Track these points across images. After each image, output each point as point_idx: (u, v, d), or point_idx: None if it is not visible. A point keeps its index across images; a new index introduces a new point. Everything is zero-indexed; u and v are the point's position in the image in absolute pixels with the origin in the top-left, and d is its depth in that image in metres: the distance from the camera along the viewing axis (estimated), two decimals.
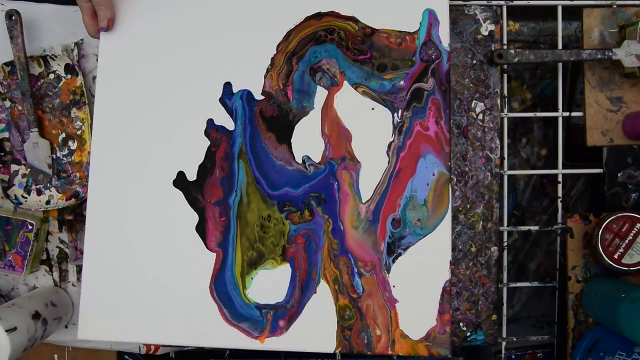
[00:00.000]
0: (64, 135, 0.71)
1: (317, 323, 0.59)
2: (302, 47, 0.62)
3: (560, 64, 0.71)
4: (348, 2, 0.61)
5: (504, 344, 0.72)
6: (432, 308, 0.59)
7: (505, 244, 0.71)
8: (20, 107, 0.70)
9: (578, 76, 0.78)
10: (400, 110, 0.60)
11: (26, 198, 0.71)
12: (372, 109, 0.61)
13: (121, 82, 0.63)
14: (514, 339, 0.72)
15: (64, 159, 0.71)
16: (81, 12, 0.64)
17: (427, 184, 0.60)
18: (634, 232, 0.65)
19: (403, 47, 0.61)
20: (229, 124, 0.62)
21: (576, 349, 0.69)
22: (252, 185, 0.61)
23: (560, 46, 0.71)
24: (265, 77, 0.62)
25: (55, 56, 0.69)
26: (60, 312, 0.69)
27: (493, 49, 0.69)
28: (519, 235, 0.90)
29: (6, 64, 0.69)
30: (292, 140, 0.61)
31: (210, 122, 0.62)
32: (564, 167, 0.71)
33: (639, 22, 0.66)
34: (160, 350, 0.73)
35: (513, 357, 0.76)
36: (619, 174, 0.70)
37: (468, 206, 0.70)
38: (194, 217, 0.61)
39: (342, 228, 0.60)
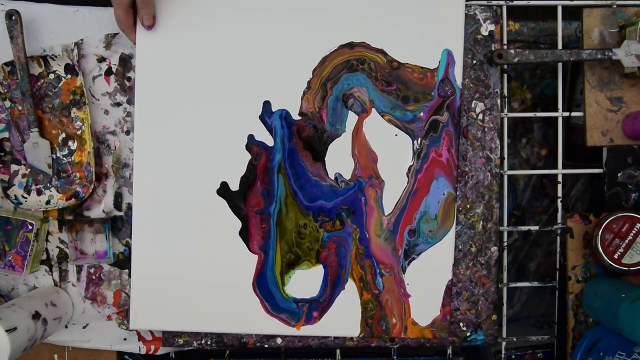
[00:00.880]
0: (64, 135, 0.71)
1: (345, 314, 0.69)
2: (336, 74, 0.68)
3: (560, 64, 0.71)
4: (378, 36, 0.67)
5: (504, 344, 0.72)
6: (436, 301, 0.69)
7: (505, 244, 0.71)
8: (20, 107, 0.70)
9: (578, 76, 0.78)
10: (419, 138, 0.68)
11: (26, 198, 0.71)
12: (396, 135, 0.68)
13: (164, 98, 0.68)
14: (514, 339, 0.72)
15: (64, 159, 0.71)
16: (114, 5, 0.63)
17: (438, 202, 0.68)
18: (634, 232, 0.65)
19: (424, 82, 0.68)
20: (269, 140, 0.68)
21: (576, 349, 0.69)
22: (290, 197, 0.68)
23: (560, 46, 0.71)
24: (302, 99, 0.68)
25: (55, 56, 0.69)
26: (60, 312, 0.69)
27: (493, 49, 0.69)
28: (519, 235, 0.90)
29: (6, 64, 0.69)
30: (326, 159, 0.68)
31: (251, 137, 0.68)
32: (564, 167, 0.71)
33: (639, 22, 0.66)
34: (160, 350, 0.73)
35: (513, 357, 0.76)
36: (619, 174, 0.70)
37: (468, 206, 0.70)
38: (238, 223, 0.68)
39: (367, 236, 0.69)
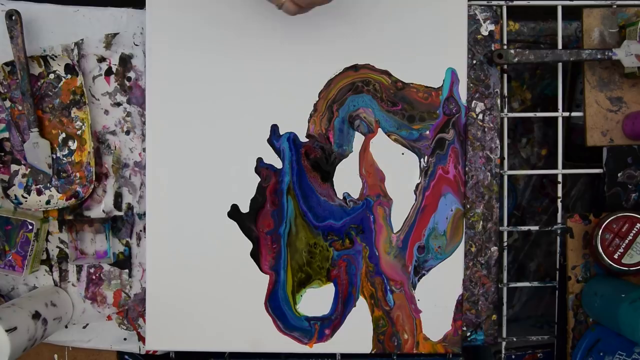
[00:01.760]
0: (64, 135, 0.71)
1: (357, 330, 0.70)
2: (342, 96, 0.69)
3: (560, 64, 0.71)
4: (382, 57, 0.69)
5: (504, 344, 0.72)
6: (448, 316, 0.70)
7: (505, 244, 0.71)
8: (20, 107, 0.70)
9: (578, 76, 0.78)
10: (426, 156, 0.69)
11: (26, 198, 0.71)
12: (402, 154, 0.69)
13: (173, 124, 0.69)
14: (514, 339, 0.72)
15: (64, 159, 0.71)
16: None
17: (447, 218, 0.69)
18: (634, 232, 0.65)
19: (429, 101, 0.69)
20: (277, 163, 0.69)
21: (576, 349, 0.69)
22: (299, 217, 0.69)
23: (560, 46, 0.71)
24: (309, 121, 0.69)
25: (55, 56, 0.69)
26: (60, 312, 0.69)
27: (493, 49, 0.69)
28: (519, 235, 0.90)
29: (6, 64, 0.69)
30: (334, 179, 0.69)
31: (260, 160, 0.69)
32: (564, 167, 0.71)
33: (639, 22, 0.66)
34: (160, 350, 0.73)
35: (513, 357, 0.76)
36: (619, 174, 0.70)
37: (468, 206, 0.70)
38: (249, 245, 0.70)
39: (377, 254, 0.70)
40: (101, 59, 0.71)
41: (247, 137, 0.69)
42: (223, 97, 0.69)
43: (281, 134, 0.69)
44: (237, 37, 0.69)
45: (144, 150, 0.71)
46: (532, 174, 0.88)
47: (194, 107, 0.69)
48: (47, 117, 0.71)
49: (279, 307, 0.70)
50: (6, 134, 0.71)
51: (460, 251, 0.69)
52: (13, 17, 0.67)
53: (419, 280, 0.69)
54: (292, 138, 0.69)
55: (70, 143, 0.71)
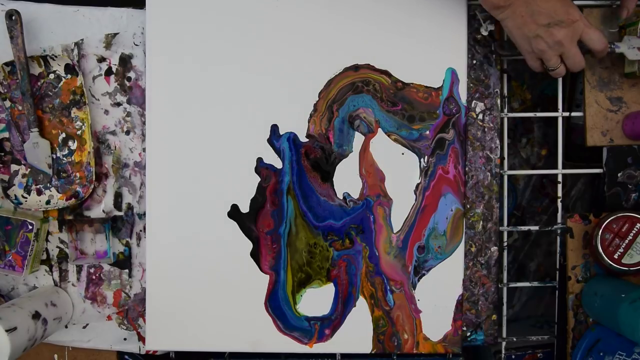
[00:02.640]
0: (64, 135, 0.71)
1: (357, 330, 0.70)
2: (342, 96, 0.69)
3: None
4: (382, 57, 0.69)
5: (504, 344, 0.72)
6: (448, 316, 0.70)
7: (505, 244, 0.71)
8: (20, 107, 0.70)
9: (578, 76, 0.78)
10: (426, 156, 0.69)
11: (26, 198, 0.71)
12: (402, 154, 0.69)
13: (173, 125, 0.69)
14: (514, 339, 0.72)
15: (64, 159, 0.71)
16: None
17: (447, 218, 0.69)
18: (634, 232, 0.65)
19: (429, 101, 0.69)
20: (277, 163, 0.69)
21: (576, 349, 0.69)
22: (299, 217, 0.69)
23: None
24: (309, 122, 0.69)
25: (55, 56, 0.69)
26: (60, 312, 0.69)
27: (493, 48, 0.69)
28: (519, 235, 0.90)
29: (6, 64, 0.69)
30: (334, 179, 0.69)
31: (260, 160, 0.69)
32: (564, 167, 0.71)
33: (639, 22, 0.65)
34: (160, 350, 0.73)
35: (513, 357, 0.76)
36: (619, 174, 0.70)
37: (468, 206, 0.70)
38: (249, 244, 0.70)
39: (377, 254, 0.69)
40: (101, 59, 0.71)
41: (247, 137, 0.69)
42: (223, 97, 0.69)
43: (281, 134, 0.69)
44: (237, 37, 0.69)
45: (144, 150, 0.71)
46: (532, 174, 0.88)
47: (193, 107, 0.69)
48: (47, 117, 0.71)
49: (279, 307, 0.69)
50: (6, 134, 0.71)
51: (460, 251, 0.69)
52: (13, 17, 0.67)
53: (419, 280, 0.69)
54: (292, 138, 0.69)
55: (70, 143, 0.71)
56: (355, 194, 0.69)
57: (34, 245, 0.68)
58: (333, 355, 0.71)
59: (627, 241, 0.66)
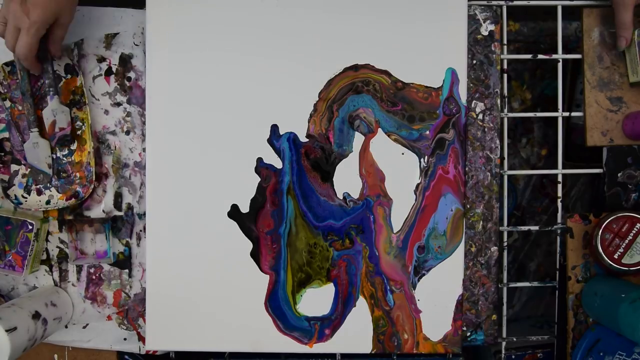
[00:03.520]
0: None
1: (357, 331, 0.70)
2: (342, 96, 0.69)
3: (560, 64, 0.71)
4: (382, 57, 0.69)
5: (504, 344, 0.72)
6: (448, 316, 0.70)
7: (505, 244, 0.71)
8: (20, 107, 0.70)
9: (578, 76, 0.79)
10: (426, 156, 0.69)
11: (26, 198, 0.71)
12: (402, 154, 0.69)
13: (173, 125, 0.69)
14: (514, 339, 0.72)
15: (64, 159, 0.71)
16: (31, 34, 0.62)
17: (447, 218, 0.69)
18: (634, 232, 0.65)
19: (429, 101, 0.69)
20: (277, 163, 0.69)
21: (576, 349, 0.69)
22: (299, 217, 0.69)
23: (560, 46, 0.71)
24: (309, 122, 0.69)
25: None
26: (60, 312, 0.69)
27: (493, 48, 0.69)
28: (519, 235, 0.90)
29: (6, 64, 0.69)
30: (334, 179, 0.69)
31: (260, 160, 0.69)
32: (564, 167, 0.71)
33: (634, 33, 0.66)
34: (160, 350, 0.73)
35: (513, 357, 0.76)
36: (619, 174, 0.70)
37: (468, 206, 0.70)
38: (249, 244, 0.70)
39: (377, 254, 0.69)
40: (101, 59, 0.71)
41: (247, 137, 0.69)
42: (223, 97, 0.69)
43: (281, 134, 0.69)
44: (237, 37, 0.69)
45: (144, 150, 0.71)
46: (532, 174, 0.88)
47: (193, 107, 0.69)
48: None
49: (279, 307, 0.70)
50: (6, 134, 0.71)
51: (460, 251, 0.69)
52: None
53: (419, 280, 0.69)
54: (292, 138, 0.69)
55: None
56: (355, 194, 0.69)
57: (34, 245, 0.68)
58: (333, 355, 0.71)
59: (627, 241, 0.66)
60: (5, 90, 0.70)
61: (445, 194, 0.69)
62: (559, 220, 0.71)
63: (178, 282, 0.70)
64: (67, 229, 0.71)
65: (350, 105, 0.69)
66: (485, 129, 0.70)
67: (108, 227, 0.71)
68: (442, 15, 0.68)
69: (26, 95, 0.68)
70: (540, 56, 0.71)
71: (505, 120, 0.71)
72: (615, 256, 0.66)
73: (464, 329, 0.70)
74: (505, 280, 0.71)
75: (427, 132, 0.69)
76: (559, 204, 0.71)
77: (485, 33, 0.69)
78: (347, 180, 0.69)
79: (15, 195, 0.71)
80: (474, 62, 0.70)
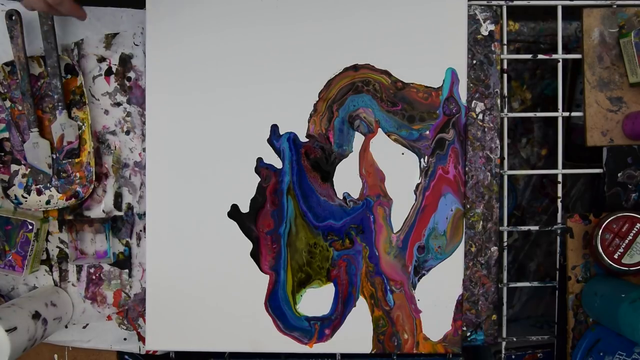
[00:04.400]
0: None
1: (357, 330, 0.70)
2: (342, 96, 0.69)
3: (560, 64, 0.71)
4: (382, 57, 0.69)
5: (504, 344, 0.72)
6: (448, 316, 0.70)
7: (505, 244, 0.71)
8: (20, 107, 0.70)
9: (578, 76, 0.78)
10: (426, 157, 0.69)
11: (26, 198, 0.71)
12: (402, 154, 0.69)
13: (173, 125, 0.69)
14: (514, 339, 0.72)
15: (64, 159, 0.71)
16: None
17: (447, 218, 0.69)
18: (634, 232, 0.65)
19: (429, 101, 0.69)
20: (277, 163, 0.69)
21: (576, 349, 0.69)
22: (299, 217, 0.69)
23: (560, 46, 0.71)
24: (309, 122, 0.69)
25: None
26: (60, 312, 0.69)
27: (493, 48, 0.69)
28: (519, 235, 0.90)
29: (6, 64, 0.69)
30: (334, 179, 0.69)
31: (260, 160, 0.69)
32: (564, 167, 0.71)
33: (631, 34, 0.66)
34: (160, 350, 0.73)
35: (513, 357, 0.76)
36: (619, 174, 0.70)
37: (468, 206, 0.70)
38: (249, 245, 0.70)
39: (377, 254, 0.70)
40: (101, 59, 0.71)
41: (247, 137, 0.69)
42: (223, 97, 0.69)
43: (281, 134, 0.69)
44: (237, 37, 0.69)
45: (144, 150, 0.71)
46: (532, 174, 0.88)
47: (194, 107, 0.69)
48: (47, 117, 0.71)
49: (279, 307, 0.70)
50: (6, 134, 0.71)
51: (460, 251, 0.69)
52: (13, 17, 0.67)
53: (419, 280, 0.69)
54: (292, 138, 0.69)
55: None
56: (355, 194, 0.69)
57: (34, 245, 0.68)
58: (333, 355, 0.71)
59: (627, 241, 0.66)
60: (5, 90, 0.70)
61: (445, 194, 0.69)
62: (559, 220, 0.71)
63: (178, 282, 0.70)
64: (67, 229, 0.71)
65: (350, 105, 0.69)
66: (485, 129, 0.70)
67: (108, 227, 0.71)
68: (442, 15, 0.68)
69: (26, 95, 0.68)
70: (540, 56, 0.71)
71: (505, 120, 0.71)
72: (615, 256, 0.66)
73: (464, 329, 0.70)
74: (505, 280, 0.71)
75: (427, 132, 0.69)
76: (559, 204, 0.71)
77: (485, 33, 0.69)
78: (347, 180, 0.69)
79: (15, 195, 0.71)
80: (474, 62, 0.70)
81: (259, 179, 0.69)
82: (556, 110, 0.71)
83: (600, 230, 0.66)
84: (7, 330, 0.59)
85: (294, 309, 0.70)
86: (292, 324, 0.70)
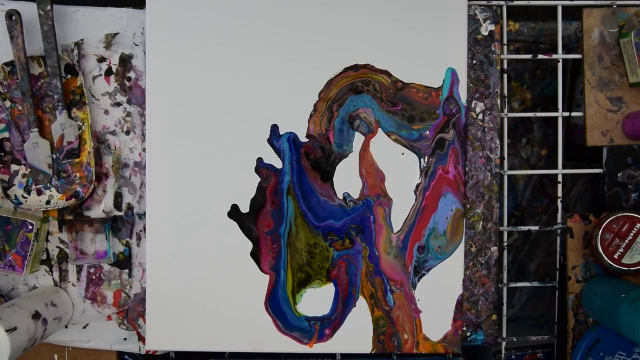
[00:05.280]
0: None
1: (357, 330, 0.70)
2: (342, 96, 0.69)
3: (560, 64, 0.71)
4: (382, 57, 0.69)
5: (504, 344, 0.72)
6: (448, 316, 0.70)
7: (505, 244, 0.71)
8: (20, 107, 0.70)
9: (578, 76, 0.78)
10: (426, 157, 0.69)
11: (26, 198, 0.71)
12: (402, 154, 0.69)
13: (173, 124, 0.69)
14: (514, 339, 0.72)
15: (64, 159, 0.71)
16: None
17: (447, 218, 0.69)
18: (634, 232, 0.65)
19: (429, 101, 0.69)
20: (277, 163, 0.69)
21: (576, 349, 0.69)
22: (299, 217, 0.69)
23: (560, 46, 0.71)
24: (309, 122, 0.69)
25: None
26: (60, 312, 0.69)
27: (493, 48, 0.69)
28: (519, 235, 0.90)
29: (6, 64, 0.69)
30: (334, 179, 0.69)
31: (260, 160, 0.69)
32: (564, 167, 0.71)
33: (631, 34, 0.66)
34: (160, 350, 0.73)
35: (513, 357, 0.76)
36: (619, 174, 0.70)
37: (468, 206, 0.70)
38: (249, 244, 0.70)
39: (377, 254, 0.69)
40: (101, 59, 0.71)
41: (247, 137, 0.69)
42: (223, 97, 0.69)
43: (281, 134, 0.69)
44: (237, 37, 0.69)
45: (144, 150, 0.71)
46: (532, 174, 0.88)
47: (194, 106, 0.69)
48: (47, 117, 0.71)
49: (279, 307, 0.69)
50: (6, 134, 0.71)
51: (460, 251, 0.69)
52: (13, 17, 0.67)
53: (419, 280, 0.69)
54: (292, 138, 0.69)
55: None
56: (355, 194, 0.69)
57: (34, 245, 0.68)
58: (333, 355, 0.71)
59: (627, 241, 0.66)
60: (5, 90, 0.70)
61: (445, 194, 0.69)
62: (559, 220, 0.71)
63: (178, 281, 0.70)
64: (67, 229, 0.71)
65: (350, 105, 0.69)
66: (485, 129, 0.70)
67: (108, 227, 0.71)
68: (442, 15, 0.68)
69: (26, 95, 0.68)
70: (540, 56, 0.71)
71: (505, 120, 0.71)
72: (615, 256, 0.66)
73: (464, 328, 0.70)
74: (505, 280, 0.71)
75: (427, 132, 0.69)
76: (559, 204, 0.71)
77: (485, 33, 0.69)
78: (347, 180, 0.69)
79: (15, 195, 0.71)
80: (474, 62, 0.70)
81: (259, 179, 0.69)
82: (556, 110, 0.71)
83: (600, 230, 0.66)
84: (7, 330, 0.59)
85: (294, 309, 0.70)
86: (292, 324, 0.70)
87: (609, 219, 0.66)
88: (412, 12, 0.68)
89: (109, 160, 0.71)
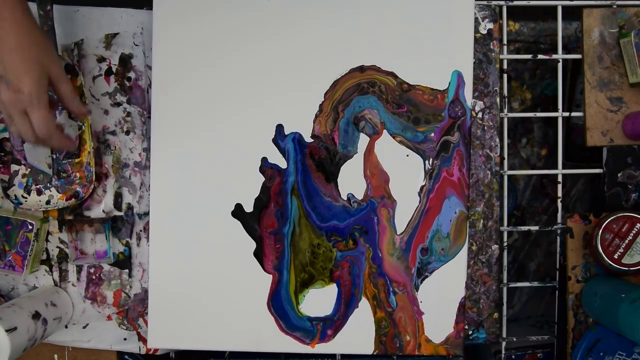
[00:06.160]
0: None
1: (359, 331, 0.70)
2: (348, 97, 0.69)
3: (560, 64, 0.71)
4: (388, 58, 0.69)
5: (504, 344, 0.72)
6: (450, 319, 0.69)
7: (505, 244, 0.71)
8: None
9: (578, 76, 0.79)
10: (431, 159, 0.69)
11: (26, 198, 0.71)
12: (407, 155, 0.69)
13: (178, 123, 0.70)
14: (514, 339, 0.72)
15: (64, 159, 0.71)
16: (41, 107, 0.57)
17: (450, 220, 0.69)
18: (634, 232, 0.65)
19: (435, 104, 0.69)
20: (282, 163, 0.69)
21: (576, 349, 0.69)
22: (303, 218, 0.69)
23: (560, 46, 0.71)
24: (314, 122, 0.69)
25: None
26: (60, 312, 0.69)
27: (492, 47, 0.69)
28: (519, 235, 0.90)
29: None
30: (338, 180, 0.69)
31: (264, 160, 0.69)
32: (564, 167, 0.71)
33: (631, 34, 0.66)
34: (160, 350, 0.73)
35: (513, 357, 0.76)
36: (619, 174, 0.70)
37: (469, 204, 0.70)
38: (252, 244, 0.70)
39: (380, 255, 0.69)
40: (101, 59, 0.71)
41: (252, 137, 0.69)
42: (228, 96, 0.69)
43: (286, 134, 0.69)
44: (243, 37, 0.69)
45: (144, 150, 0.71)
46: (532, 174, 0.88)
47: (199, 106, 0.69)
48: None
49: (281, 307, 0.70)
50: (6, 134, 0.71)
51: (463, 254, 0.69)
52: None
53: (421, 282, 0.69)
54: (297, 138, 0.69)
55: None
56: (360, 195, 0.69)
57: (34, 245, 0.68)
58: (333, 356, 0.71)
59: (627, 241, 0.66)
60: None
61: (449, 197, 0.69)
62: (559, 220, 0.71)
63: (180, 280, 0.70)
64: (67, 229, 0.71)
65: (356, 106, 0.69)
66: (485, 127, 0.70)
67: (108, 227, 0.71)
68: (449, 17, 0.68)
69: None
70: (540, 56, 0.71)
71: (505, 120, 0.71)
72: (615, 256, 0.66)
73: (466, 327, 0.70)
74: (505, 280, 0.71)
75: (432, 135, 0.69)
76: (559, 204, 0.71)
77: (484, 31, 0.69)
78: (351, 181, 0.69)
79: (15, 195, 0.71)
80: (473, 60, 0.70)
81: (263, 179, 0.69)
82: (556, 110, 0.71)
83: (600, 230, 0.66)
84: (7, 330, 0.59)
85: (296, 309, 0.70)
86: (295, 324, 0.70)
87: (609, 219, 0.66)
88: (419, 14, 0.68)
89: (109, 160, 0.71)
